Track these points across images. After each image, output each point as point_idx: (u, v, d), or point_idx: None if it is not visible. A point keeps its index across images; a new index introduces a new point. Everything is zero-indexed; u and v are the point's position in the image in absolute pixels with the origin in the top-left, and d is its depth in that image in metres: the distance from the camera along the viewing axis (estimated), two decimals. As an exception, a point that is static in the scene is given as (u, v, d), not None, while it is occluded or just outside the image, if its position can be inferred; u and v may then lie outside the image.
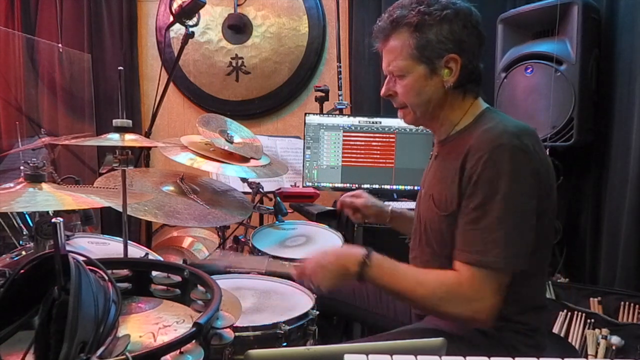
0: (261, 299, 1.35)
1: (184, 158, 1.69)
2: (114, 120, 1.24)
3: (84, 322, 0.71)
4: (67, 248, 0.78)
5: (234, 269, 1.47)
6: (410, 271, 1.14)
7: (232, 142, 1.79)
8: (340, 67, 2.78)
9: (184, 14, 2.03)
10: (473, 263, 1.04)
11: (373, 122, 2.29)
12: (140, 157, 2.19)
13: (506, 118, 1.16)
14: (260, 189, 2.14)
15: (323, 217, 2.27)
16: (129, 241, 1.36)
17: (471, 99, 1.20)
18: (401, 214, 1.50)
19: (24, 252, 1.53)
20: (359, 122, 2.30)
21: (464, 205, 1.08)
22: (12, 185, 1.08)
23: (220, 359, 1.00)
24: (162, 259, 1.54)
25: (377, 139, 2.28)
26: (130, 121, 1.26)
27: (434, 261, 1.21)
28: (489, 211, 1.03)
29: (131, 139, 1.23)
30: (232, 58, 3.27)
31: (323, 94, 2.68)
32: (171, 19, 2.08)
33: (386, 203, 1.55)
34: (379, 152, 2.29)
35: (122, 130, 1.24)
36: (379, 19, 1.21)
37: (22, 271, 0.81)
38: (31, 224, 1.79)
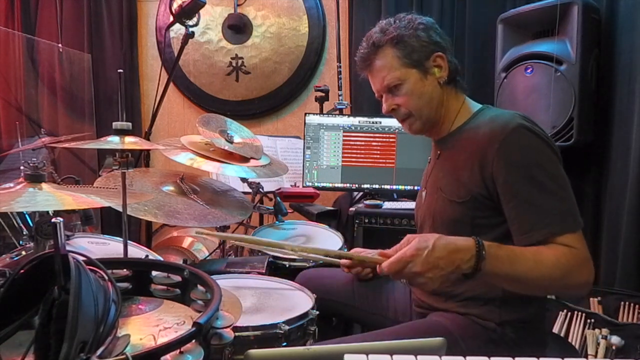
0: (261, 299, 1.35)
1: (184, 158, 1.69)
2: (114, 123, 1.24)
3: (84, 322, 0.71)
4: (67, 248, 0.78)
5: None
6: (526, 252, 1.05)
7: (232, 142, 1.79)
8: (340, 67, 2.78)
9: (184, 14, 2.03)
10: (558, 233, 1.04)
11: (373, 122, 2.28)
12: (140, 157, 2.19)
13: (505, 110, 1.25)
14: (260, 189, 2.14)
15: (323, 217, 2.28)
16: (129, 241, 1.36)
17: (462, 94, 1.30)
18: None
19: (24, 252, 1.53)
20: (359, 122, 2.30)
21: (504, 191, 1.09)
22: (12, 185, 1.08)
23: (220, 359, 1.00)
24: (162, 259, 1.54)
25: (377, 139, 2.28)
26: (130, 124, 1.26)
27: None
28: (538, 185, 1.06)
29: (131, 142, 1.22)
30: (232, 58, 3.27)
31: (323, 94, 2.68)
32: (171, 19, 2.08)
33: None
34: (379, 152, 2.29)
35: (122, 133, 1.24)
36: (358, 50, 1.31)
37: (22, 271, 0.81)
38: (31, 224, 1.79)
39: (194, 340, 0.79)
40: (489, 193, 1.13)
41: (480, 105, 1.29)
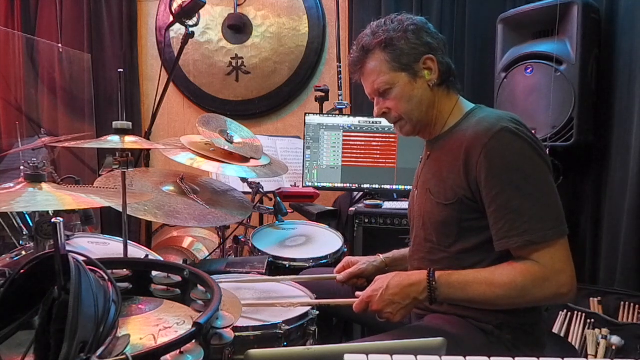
0: (261, 299, 1.35)
1: (184, 158, 1.69)
2: (114, 123, 1.24)
3: (84, 322, 0.71)
4: (67, 248, 0.78)
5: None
6: (479, 275, 1.11)
7: (232, 142, 1.79)
8: (340, 67, 2.78)
9: (184, 14, 2.03)
10: (535, 242, 1.04)
11: (373, 122, 2.28)
12: (140, 157, 2.19)
13: (495, 110, 1.24)
14: (260, 189, 2.14)
15: (323, 217, 2.27)
16: (129, 241, 1.36)
17: (456, 95, 1.28)
18: (393, 255, 1.49)
19: (24, 252, 1.53)
20: (359, 122, 2.30)
21: (486, 195, 1.09)
22: (12, 185, 1.08)
23: (220, 359, 1.00)
24: (162, 259, 1.54)
25: (377, 139, 2.28)
26: (130, 123, 1.26)
27: (434, 255, 1.23)
28: (518, 191, 1.06)
29: (131, 141, 1.22)
30: (232, 58, 3.27)
31: (323, 94, 2.68)
32: (171, 19, 2.08)
33: (376, 257, 1.49)
34: (379, 152, 2.28)
35: (122, 132, 1.23)
36: (350, 54, 1.31)
37: (22, 271, 0.81)
38: (31, 224, 1.79)
39: (194, 340, 0.78)
40: (474, 196, 1.13)
41: (472, 105, 1.28)
